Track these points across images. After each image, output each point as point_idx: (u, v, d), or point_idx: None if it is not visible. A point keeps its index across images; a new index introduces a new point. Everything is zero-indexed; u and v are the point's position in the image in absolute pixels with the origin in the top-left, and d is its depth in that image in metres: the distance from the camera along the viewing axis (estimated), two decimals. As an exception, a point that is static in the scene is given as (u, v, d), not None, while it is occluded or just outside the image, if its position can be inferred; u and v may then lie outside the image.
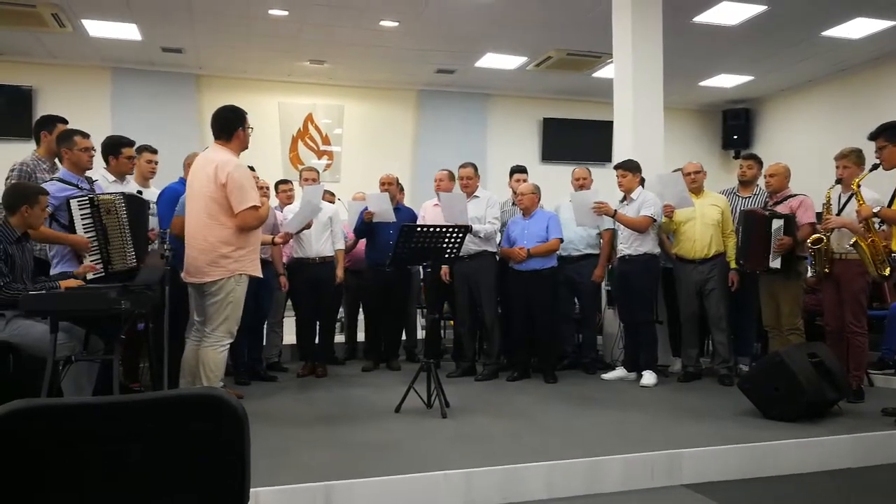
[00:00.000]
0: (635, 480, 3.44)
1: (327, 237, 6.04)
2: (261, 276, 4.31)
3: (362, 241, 6.53)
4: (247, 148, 4.33)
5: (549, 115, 11.15)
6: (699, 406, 4.75)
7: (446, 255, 4.81)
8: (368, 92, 10.50)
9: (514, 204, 6.41)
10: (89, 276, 4.10)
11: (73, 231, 4.09)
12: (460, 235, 4.75)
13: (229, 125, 4.19)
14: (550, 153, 11.02)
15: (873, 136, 4.55)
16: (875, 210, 4.39)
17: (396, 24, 8.02)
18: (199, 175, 4.10)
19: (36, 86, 9.09)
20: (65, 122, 4.85)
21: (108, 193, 4.35)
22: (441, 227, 4.76)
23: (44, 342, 3.51)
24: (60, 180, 4.22)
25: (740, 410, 4.48)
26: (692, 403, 4.85)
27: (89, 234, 4.12)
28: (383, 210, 6.03)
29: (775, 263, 5.20)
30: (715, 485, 3.47)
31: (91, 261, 4.14)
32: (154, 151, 5.45)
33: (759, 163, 6.09)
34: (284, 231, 5.46)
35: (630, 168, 5.78)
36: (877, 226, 4.58)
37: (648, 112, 6.43)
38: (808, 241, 5.00)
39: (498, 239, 6.10)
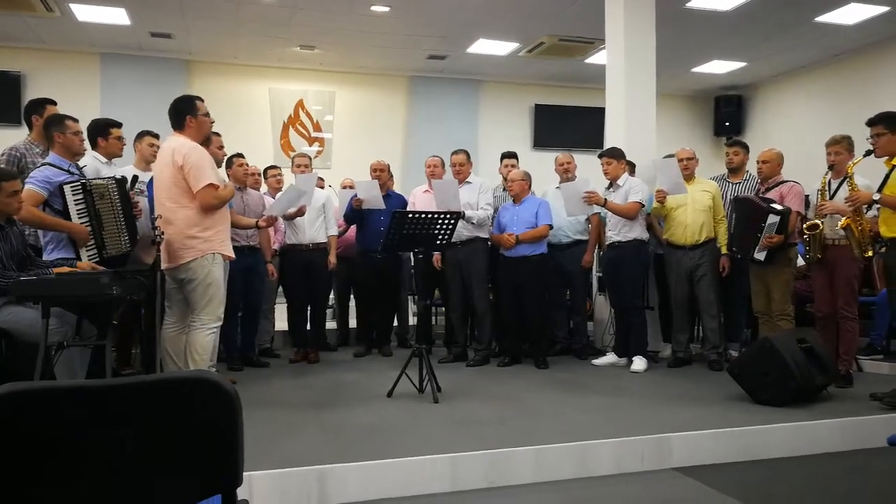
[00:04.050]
0: (625, 464, 3.47)
1: (321, 223, 6.04)
2: (233, 256, 4.35)
3: (353, 228, 6.53)
4: (206, 135, 4.36)
5: (541, 102, 11.14)
6: (689, 391, 4.78)
7: (438, 242, 4.81)
8: (359, 78, 10.46)
9: (504, 190, 6.42)
10: (85, 261, 4.09)
11: (68, 217, 4.07)
12: (452, 222, 4.75)
13: (178, 115, 4.23)
14: (542, 140, 11.02)
15: (872, 122, 4.55)
16: (876, 197, 4.40)
17: (388, 9, 7.98)
18: (160, 164, 4.20)
19: (25, 71, 9.03)
20: (54, 103, 4.80)
21: (100, 178, 4.33)
22: (433, 213, 4.75)
23: (36, 328, 3.49)
24: (52, 165, 4.17)
25: (730, 395, 4.52)
26: (682, 388, 4.89)
27: (83, 220, 4.10)
28: (372, 197, 6.03)
29: (759, 256, 5.22)
30: (705, 468, 3.51)
31: (87, 247, 4.12)
32: (156, 136, 5.43)
33: (746, 149, 6.11)
34: (268, 214, 5.45)
35: (614, 155, 5.79)
36: (865, 210, 4.62)
37: (641, 98, 6.43)
38: (805, 226, 5.02)
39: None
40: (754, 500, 3.10)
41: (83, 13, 8.00)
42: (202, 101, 4.30)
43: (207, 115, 4.29)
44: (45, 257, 4.16)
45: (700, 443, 3.62)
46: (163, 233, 4.05)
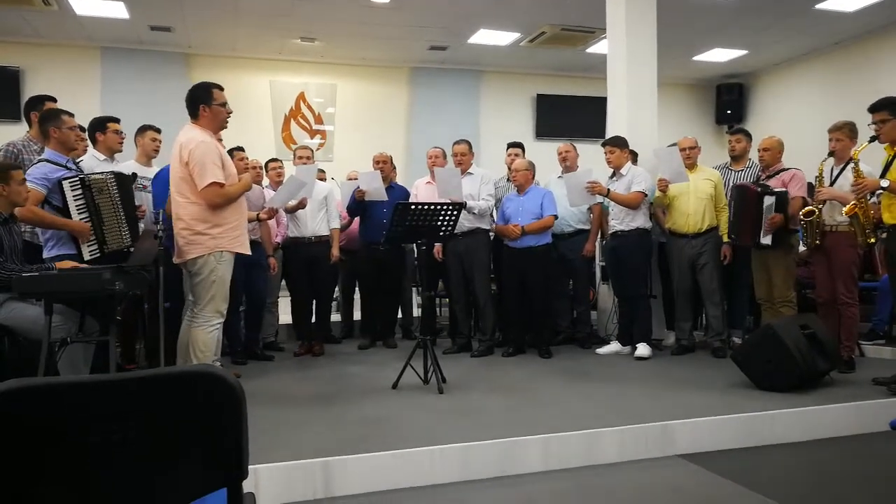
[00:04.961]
0: (630, 451, 3.48)
1: (323, 216, 6.03)
2: (249, 252, 4.31)
3: (357, 220, 6.53)
4: (224, 125, 4.26)
5: (543, 92, 11.09)
6: (693, 378, 4.79)
7: (441, 233, 4.81)
8: (361, 70, 10.42)
9: (508, 180, 6.40)
10: (86, 257, 4.09)
11: (68, 213, 4.06)
12: (455, 213, 4.74)
13: (192, 104, 4.16)
14: (544, 130, 10.98)
15: (875, 108, 4.53)
16: (884, 184, 4.37)
17: (388, 0, 7.94)
18: (172, 157, 4.15)
19: (24, 66, 8.99)
20: (53, 100, 4.80)
21: (98, 173, 4.31)
22: (435, 204, 4.75)
23: (39, 324, 3.50)
24: (49, 161, 4.16)
25: (733, 382, 4.52)
26: (686, 376, 4.89)
27: (83, 216, 4.10)
28: (375, 188, 6.02)
29: (766, 240, 5.21)
30: (709, 454, 3.52)
31: (87, 243, 4.12)
32: (158, 130, 5.42)
33: (748, 137, 6.10)
34: (269, 206, 5.45)
35: (617, 144, 5.77)
36: (869, 197, 4.61)
37: (642, 87, 6.40)
38: (801, 213, 5.02)
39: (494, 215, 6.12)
40: (758, 485, 3.10)
41: (81, 7, 7.96)
42: (220, 88, 4.19)
43: (224, 104, 4.18)
44: (45, 254, 4.16)
45: (704, 429, 3.63)
46: (165, 229, 4.05)
